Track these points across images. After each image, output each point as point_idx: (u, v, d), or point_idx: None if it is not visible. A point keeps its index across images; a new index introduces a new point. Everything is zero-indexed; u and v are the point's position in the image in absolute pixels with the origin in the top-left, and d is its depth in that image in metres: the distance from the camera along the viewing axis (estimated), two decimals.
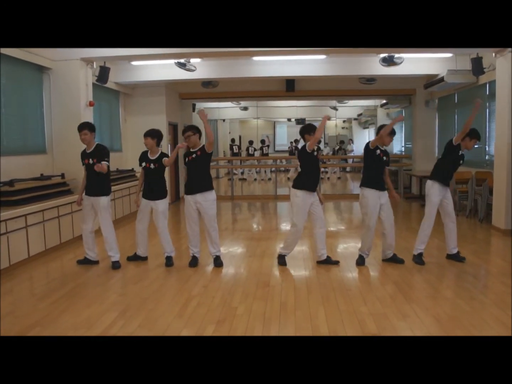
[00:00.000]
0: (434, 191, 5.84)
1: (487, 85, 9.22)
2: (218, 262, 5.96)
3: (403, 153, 14.98)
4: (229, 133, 21.98)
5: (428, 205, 5.95)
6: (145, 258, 6.29)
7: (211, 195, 5.83)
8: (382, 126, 5.86)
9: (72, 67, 7.77)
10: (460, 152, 5.87)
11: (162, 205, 5.98)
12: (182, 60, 9.16)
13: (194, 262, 5.98)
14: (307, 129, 5.87)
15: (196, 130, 5.87)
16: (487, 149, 9.39)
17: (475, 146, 6.11)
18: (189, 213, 5.86)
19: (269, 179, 18.97)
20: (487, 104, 9.32)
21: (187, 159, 5.87)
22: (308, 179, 5.78)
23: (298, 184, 5.82)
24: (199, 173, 5.80)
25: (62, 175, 7.57)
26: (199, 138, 5.90)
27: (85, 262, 6.17)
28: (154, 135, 5.93)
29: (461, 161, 5.96)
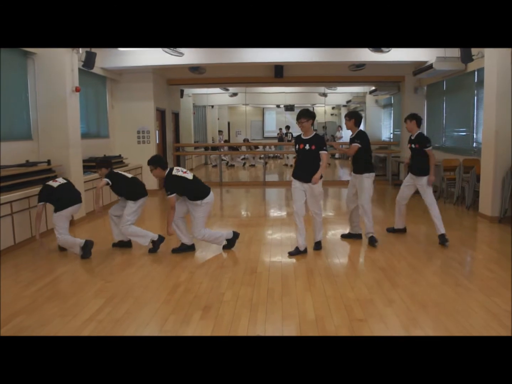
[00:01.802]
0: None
1: (476, 73, 9.22)
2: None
3: (392, 140, 15.03)
4: (218, 119, 21.90)
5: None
6: (128, 244, 6.30)
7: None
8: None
9: (57, 52, 7.62)
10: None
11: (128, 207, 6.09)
12: None
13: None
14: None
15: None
16: (474, 136, 9.41)
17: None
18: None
19: (253, 165, 19.00)
20: (475, 91, 9.33)
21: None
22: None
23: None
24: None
25: (48, 162, 7.48)
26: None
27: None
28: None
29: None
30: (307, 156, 5.67)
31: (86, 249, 5.78)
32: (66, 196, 5.98)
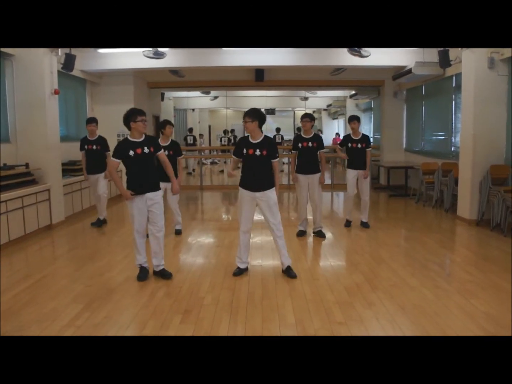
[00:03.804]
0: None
1: (454, 77, 9.35)
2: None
3: (372, 143, 15.11)
4: (199, 122, 21.84)
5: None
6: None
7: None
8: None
9: (36, 54, 7.55)
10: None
11: None
12: (150, 49, 9.02)
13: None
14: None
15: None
16: (453, 140, 9.54)
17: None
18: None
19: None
20: (453, 96, 9.46)
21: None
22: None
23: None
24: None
25: (27, 165, 7.40)
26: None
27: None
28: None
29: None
30: (258, 162, 5.03)
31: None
32: None
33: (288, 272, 5.17)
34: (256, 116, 4.98)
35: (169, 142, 6.83)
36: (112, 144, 7.80)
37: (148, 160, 4.98)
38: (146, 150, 4.93)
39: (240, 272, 5.26)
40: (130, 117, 4.88)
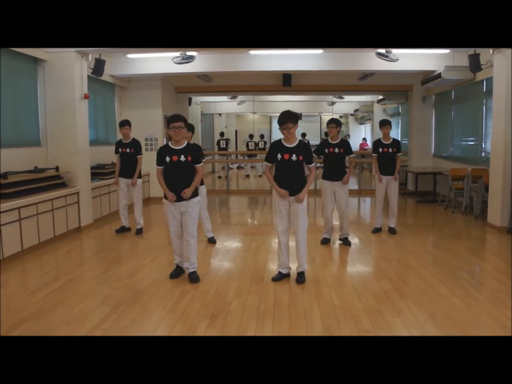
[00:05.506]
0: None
1: (484, 82, 9.18)
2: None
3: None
4: (226, 127, 21.90)
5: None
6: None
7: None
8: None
9: (67, 59, 7.69)
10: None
11: None
12: (178, 54, 9.08)
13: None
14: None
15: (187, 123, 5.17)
16: (483, 146, 9.37)
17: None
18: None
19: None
20: (484, 101, 9.29)
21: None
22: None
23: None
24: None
25: (57, 168, 7.51)
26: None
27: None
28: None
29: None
30: (293, 167, 4.92)
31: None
32: None
33: (298, 276, 5.14)
34: (296, 119, 4.92)
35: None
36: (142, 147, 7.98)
37: (182, 169, 4.96)
38: (182, 158, 4.93)
39: (280, 277, 5.18)
40: (168, 124, 4.93)
